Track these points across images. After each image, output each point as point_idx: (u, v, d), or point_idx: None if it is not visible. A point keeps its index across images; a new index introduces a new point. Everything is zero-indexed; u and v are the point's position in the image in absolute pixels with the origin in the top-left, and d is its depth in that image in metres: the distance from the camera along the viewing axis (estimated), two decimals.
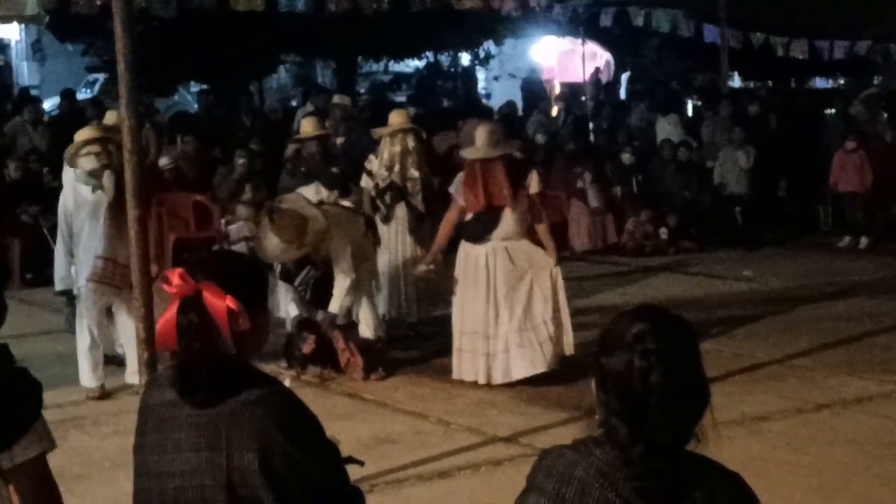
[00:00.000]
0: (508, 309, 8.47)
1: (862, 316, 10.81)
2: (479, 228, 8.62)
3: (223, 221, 13.66)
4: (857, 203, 15.12)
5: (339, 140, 14.98)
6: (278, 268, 9.10)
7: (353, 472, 2.95)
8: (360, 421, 7.81)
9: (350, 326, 8.98)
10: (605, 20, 21.43)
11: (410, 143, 10.00)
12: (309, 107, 17.43)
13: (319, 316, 8.85)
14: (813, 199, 16.45)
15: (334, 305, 8.73)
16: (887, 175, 15.13)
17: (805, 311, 11.12)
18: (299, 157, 10.97)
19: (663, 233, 14.94)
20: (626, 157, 15.79)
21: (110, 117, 10.10)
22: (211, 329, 2.69)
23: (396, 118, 10.16)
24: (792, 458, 6.87)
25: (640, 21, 21.24)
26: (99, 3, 15.52)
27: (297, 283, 9.02)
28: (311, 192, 10.21)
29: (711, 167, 16.10)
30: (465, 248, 8.75)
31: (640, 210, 14.97)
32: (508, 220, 8.56)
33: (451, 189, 8.84)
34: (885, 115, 16.92)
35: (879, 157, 15.35)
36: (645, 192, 15.56)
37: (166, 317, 2.72)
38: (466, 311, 8.63)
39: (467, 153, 8.89)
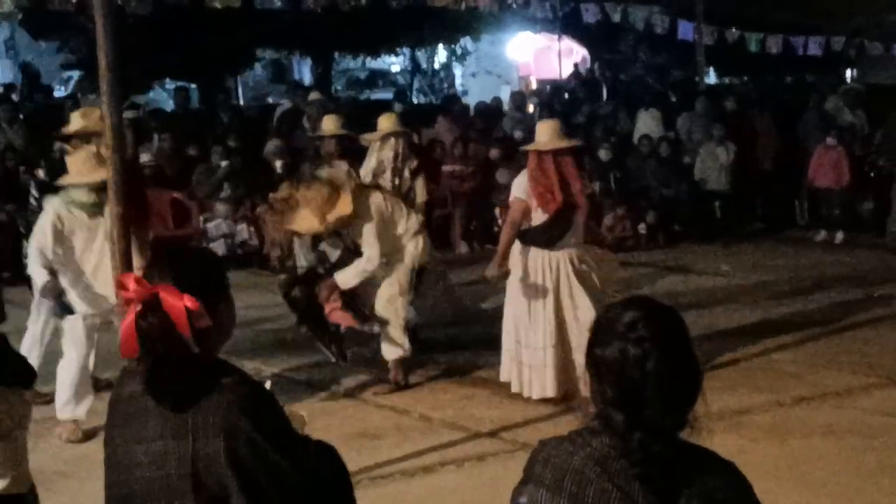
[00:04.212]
0: (568, 321, 8.03)
1: (839, 310, 10.89)
2: (551, 232, 8.04)
3: (202, 219, 13.65)
4: (834, 198, 15.23)
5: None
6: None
7: None
8: (342, 417, 7.83)
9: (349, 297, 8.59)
10: (585, 16, 21.48)
11: (400, 147, 9.42)
12: (287, 103, 17.42)
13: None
14: (790, 195, 16.56)
15: (340, 276, 8.40)
16: (863, 170, 15.31)
17: (782, 305, 11.20)
18: (319, 155, 10.69)
19: (642, 228, 15.00)
20: (604, 153, 15.83)
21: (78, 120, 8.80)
22: (172, 331, 2.70)
23: (385, 122, 9.69)
24: (773, 451, 6.93)
25: (617, 17, 21.30)
26: (74, 0, 15.45)
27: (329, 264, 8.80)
28: None
29: (688, 163, 16.19)
30: (529, 253, 8.12)
31: (619, 206, 15.03)
32: (579, 222, 8.10)
33: (514, 189, 8.20)
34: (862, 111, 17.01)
35: (856, 152, 15.52)
36: (623, 187, 15.61)
37: (126, 322, 2.73)
38: (519, 319, 8.15)
39: (536, 146, 8.19)
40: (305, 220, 8.35)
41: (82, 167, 7.70)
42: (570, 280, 8.06)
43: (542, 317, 8.04)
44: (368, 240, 8.33)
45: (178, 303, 2.69)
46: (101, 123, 8.29)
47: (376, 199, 8.52)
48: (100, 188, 7.32)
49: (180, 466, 2.69)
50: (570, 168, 8.10)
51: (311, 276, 8.85)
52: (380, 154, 9.40)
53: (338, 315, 8.54)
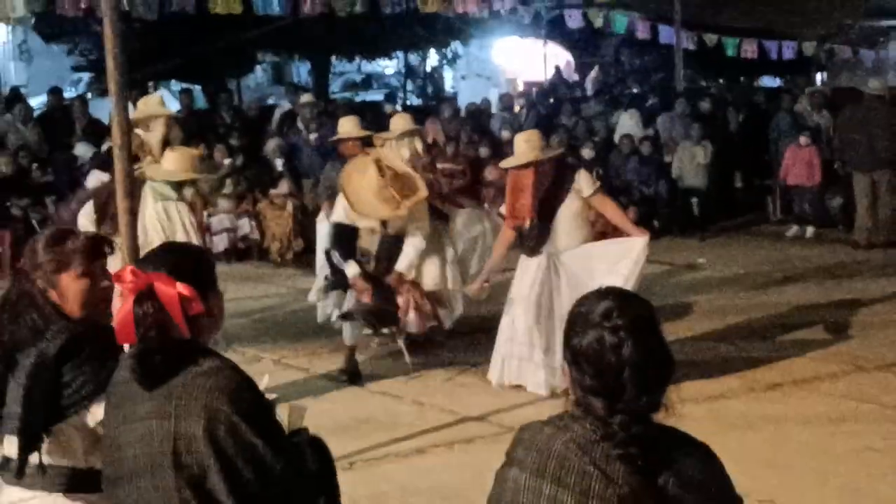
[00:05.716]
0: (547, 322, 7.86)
1: (809, 301, 10.89)
2: (528, 239, 8.01)
3: (206, 213, 13.62)
4: (805, 195, 15.25)
5: (312, 137, 14.93)
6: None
7: (332, 450, 2.95)
8: (337, 402, 7.83)
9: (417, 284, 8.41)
10: (569, 22, 21.49)
11: (418, 145, 9.27)
12: (286, 104, 17.39)
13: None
14: (763, 192, 16.59)
15: (402, 263, 8.27)
16: (831, 168, 15.35)
17: (756, 296, 11.21)
18: (321, 154, 10.44)
19: None
20: (587, 152, 15.81)
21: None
22: (166, 317, 2.74)
23: (400, 122, 9.48)
24: (747, 436, 6.92)
25: (599, 22, 21.30)
26: (83, 6, 15.41)
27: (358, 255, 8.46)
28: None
29: (668, 161, 16.18)
30: (522, 259, 8.13)
31: None
32: (554, 230, 7.93)
33: (502, 209, 8.23)
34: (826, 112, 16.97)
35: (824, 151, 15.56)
36: (605, 184, 15.55)
37: (123, 312, 2.76)
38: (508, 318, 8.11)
39: (503, 163, 8.30)
40: (382, 208, 8.20)
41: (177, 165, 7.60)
42: (542, 281, 7.92)
43: (528, 314, 7.99)
44: (420, 218, 8.34)
45: (172, 290, 2.74)
46: (160, 108, 8.44)
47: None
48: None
49: (162, 445, 2.71)
50: (525, 184, 7.94)
51: (373, 279, 8.38)
52: (398, 153, 9.10)
53: (421, 313, 8.39)
